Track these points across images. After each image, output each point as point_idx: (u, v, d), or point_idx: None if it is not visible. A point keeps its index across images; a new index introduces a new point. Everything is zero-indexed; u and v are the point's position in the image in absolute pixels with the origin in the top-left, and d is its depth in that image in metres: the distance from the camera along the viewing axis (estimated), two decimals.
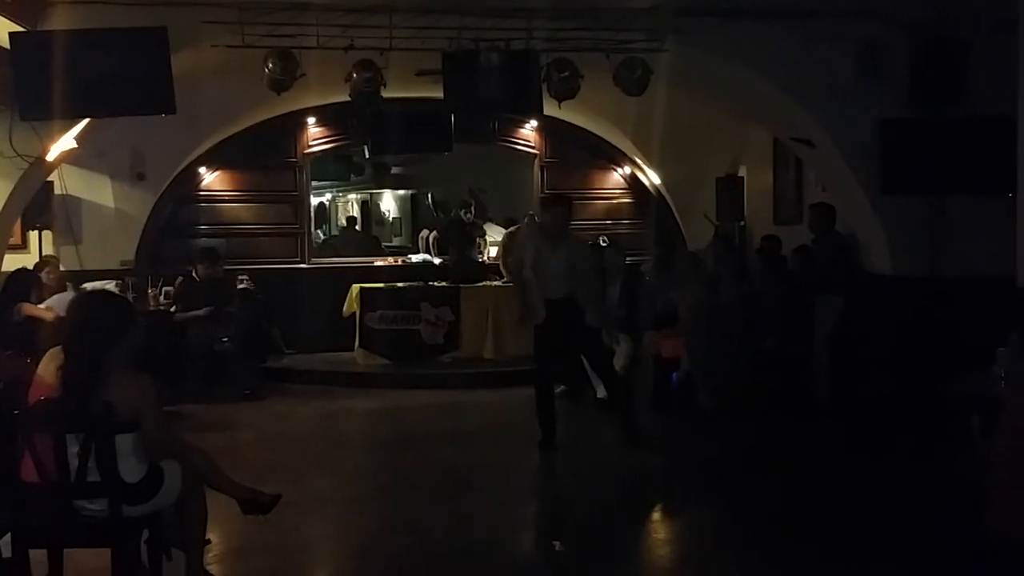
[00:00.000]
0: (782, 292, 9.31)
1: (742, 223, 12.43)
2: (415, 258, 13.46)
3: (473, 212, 13.41)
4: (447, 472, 7.48)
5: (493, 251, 13.02)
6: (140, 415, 4.35)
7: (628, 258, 10.58)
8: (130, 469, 4.35)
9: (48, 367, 4.55)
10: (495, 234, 13.60)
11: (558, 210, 8.10)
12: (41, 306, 8.73)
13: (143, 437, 4.38)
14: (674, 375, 9.34)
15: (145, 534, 4.57)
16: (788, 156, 10.99)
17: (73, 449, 4.25)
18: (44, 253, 10.66)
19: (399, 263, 13.35)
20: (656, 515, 6.79)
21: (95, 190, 11.96)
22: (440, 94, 8.41)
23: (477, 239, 12.86)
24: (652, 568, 5.81)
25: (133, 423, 4.33)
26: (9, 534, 4.38)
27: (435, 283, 12.12)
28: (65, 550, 4.51)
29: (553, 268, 7.91)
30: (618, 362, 9.59)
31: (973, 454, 6.09)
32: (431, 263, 13.05)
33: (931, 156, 8.26)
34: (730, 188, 12.56)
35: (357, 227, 18.03)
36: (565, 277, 7.91)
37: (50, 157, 8.69)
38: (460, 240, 12.66)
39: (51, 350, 4.66)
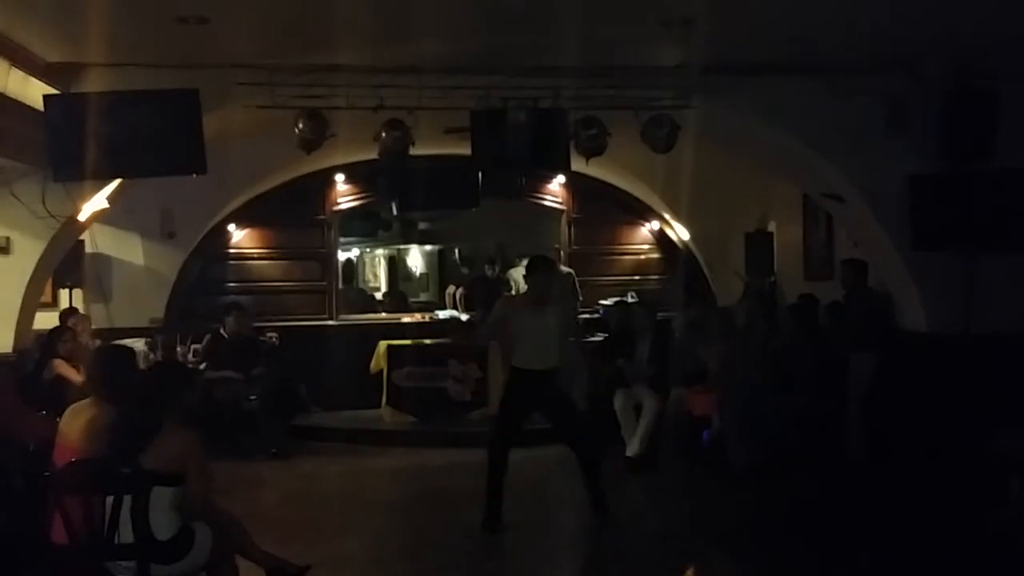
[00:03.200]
0: (814, 349, 9.21)
1: (772, 279, 12.35)
2: (442, 314, 13.45)
3: (498, 268, 13.38)
4: (473, 532, 7.39)
5: None
6: (187, 469, 4.37)
7: (658, 314, 10.50)
8: (163, 525, 4.35)
9: (70, 424, 4.57)
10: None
11: (538, 276, 7.75)
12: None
13: (185, 492, 4.40)
14: (705, 433, 9.24)
15: None
16: (818, 211, 10.94)
17: (107, 504, 4.26)
18: (70, 306, 10.67)
19: (426, 319, 13.34)
20: None
21: (125, 248, 12.09)
22: (468, 151, 8.44)
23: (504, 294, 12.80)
24: None
25: (177, 477, 4.34)
26: None
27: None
28: None
29: (534, 336, 7.49)
30: (645, 418, 9.53)
31: (1011, 513, 5.96)
32: (459, 319, 13.03)
33: (962, 211, 8.19)
34: (760, 243, 12.50)
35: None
36: (550, 346, 7.50)
37: (82, 217, 8.77)
38: (486, 296, 12.59)
39: (73, 406, 4.68)
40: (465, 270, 14.60)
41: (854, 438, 8.86)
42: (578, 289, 12.90)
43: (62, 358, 8.73)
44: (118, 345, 5.96)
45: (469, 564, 6.62)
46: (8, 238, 8.67)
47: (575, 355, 7.89)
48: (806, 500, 8.16)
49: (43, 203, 7.96)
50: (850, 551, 6.83)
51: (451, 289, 14.41)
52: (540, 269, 7.78)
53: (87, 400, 4.69)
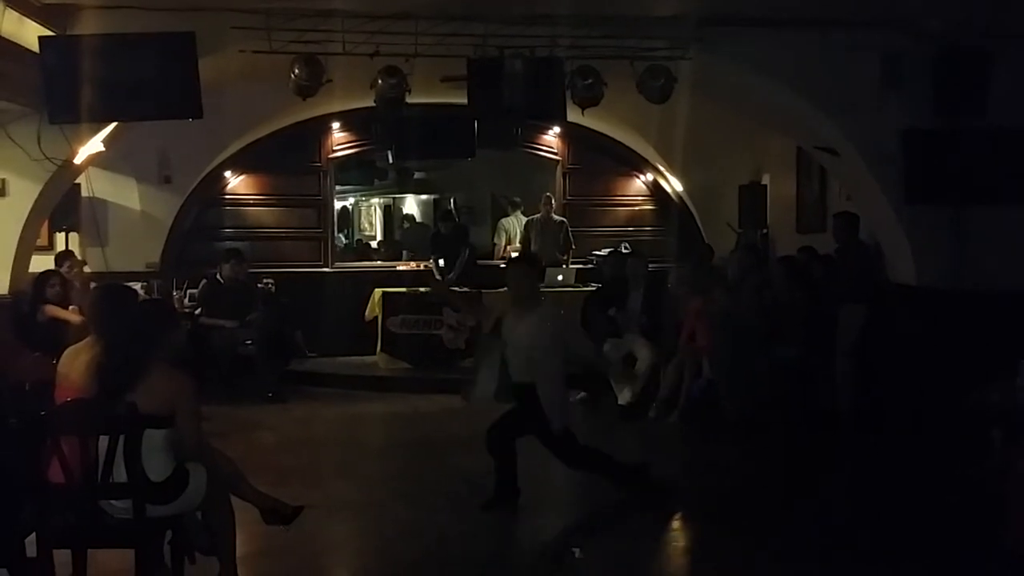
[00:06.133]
0: (804, 302, 9.28)
1: (765, 231, 12.40)
2: (441, 262, 13.48)
3: (455, 221, 13.30)
4: (466, 477, 7.50)
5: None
6: (177, 411, 4.42)
7: (650, 265, 10.55)
8: (157, 467, 4.41)
9: (71, 364, 4.61)
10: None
11: (516, 272, 6.76)
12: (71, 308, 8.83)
13: (178, 434, 4.45)
14: (695, 383, 9.32)
15: (168, 535, 4.62)
16: (812, 164, 10.96)
17: (102, 445, 4.31)
18: (65, 250, 10.68)
19: (421, 268, 13.38)
20: (676, 523, 6.78)
21: (121, 193, 12.09)
22: (464, 100, 8.44)
23: (463, 248, 12.66)
24: None
25: (167, 419, 4.39)
26: (34, 534, 4.43)
27: (456, 288, 12.12)
28: (89, 550, 4.56)
29: (516, 343, 6.56)
30: (640, 370, 9.62)
31: (994, 466, 6.06)
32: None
33: (955, 166, 8.23)
34: (753, 196, 12.52)
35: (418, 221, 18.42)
36: (526, 356, 6.48)
37: (78, 160, 8.77)
38: (443, 252, 12.54)
39: (72, 347, 4.73)
40: (458, 220, 14.53)
41: (842, 390, 8.95)
42: (571, 239, 12.97)
43: (51, 302, 8.78)
44: (118, 284, 5.99)
45: (461, 508, 6.71)
46: (4, 180, 8.67)
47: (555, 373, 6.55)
48: (793, 451, 8.27)
49: (39, 145, 7.98)
50: (836, 502, 6.94)
51: None
52: (514, 267, 6.91)
53: (87, 340, 4.73)
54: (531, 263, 7.00)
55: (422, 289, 12.11)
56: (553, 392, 6.49)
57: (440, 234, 12.83)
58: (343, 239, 18.14)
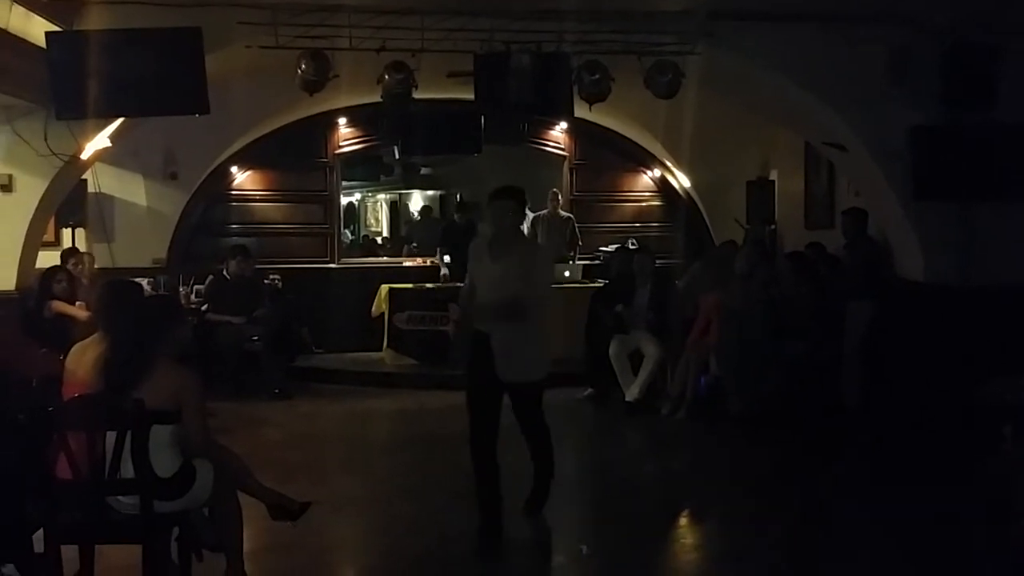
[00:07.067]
0: (812, 297, 9.25)
1: (773, 227, 12.37)
2: (447, 258, 13.48)
3: (471, 214, 13.34)
4: (471, 473, 7.47)
5: None
6: (183, 406, 4.42)
7: (657, 261, 10.53)
8: (164, 463, 4.40)
9: (79, 360, 4.61)
10: None
11: (499, 205, 5.95)
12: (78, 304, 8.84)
13: (184, 429, 4.45)
14: (702, 379, 9.31)
15: (176, 532, 4.62)
16: (820, 160, 10.93)
17: (109, 441, 4.31)
18: (71, 246, 10.68)
19: (428, 264, 13.38)
20: (683, 520, 6.78)
21: (128, 189, 12.10)
22: (471, 95, 8.42)
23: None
24: (679, 573, 5.80)
25: (174, 414, 4.39)
26: (41, 530, 4.43)
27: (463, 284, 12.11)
28: (96, 546, 4.56)
29: (489, 285, 5.87)
30: (646, 365, 9.61)
31: (1004, 462, 6.04)
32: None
33: (963, 162, 8.18)
34: (761, 192, 12.51)
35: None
36: (501, 299, 5.76)
37: (84, 156, 8.77)
38: (453, 243, 12.55)
39: (79, 343, 4.73)
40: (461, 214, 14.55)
41: (849, 386, 8.93)
42: (578, 234, 12.96)
43: (58, 298, 8.79)
44: (125, 280, 5.99)
45: (467, 504, 6.69)
46: (11, 176, 8.66)
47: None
48: (801, 447, 8.25)
49: (45, 141, 7.98)
50: (843, 498, 6.92)
51: None
52: (497, 199, 5.99)
53: (94, 336, 4.73)
54: (517, 194, 6.08)
55: (429, 285, 12.13)
56: (541, 338, 5.99)
57: (455, 224, 12.85)
58: (349, 235, 18.15)
